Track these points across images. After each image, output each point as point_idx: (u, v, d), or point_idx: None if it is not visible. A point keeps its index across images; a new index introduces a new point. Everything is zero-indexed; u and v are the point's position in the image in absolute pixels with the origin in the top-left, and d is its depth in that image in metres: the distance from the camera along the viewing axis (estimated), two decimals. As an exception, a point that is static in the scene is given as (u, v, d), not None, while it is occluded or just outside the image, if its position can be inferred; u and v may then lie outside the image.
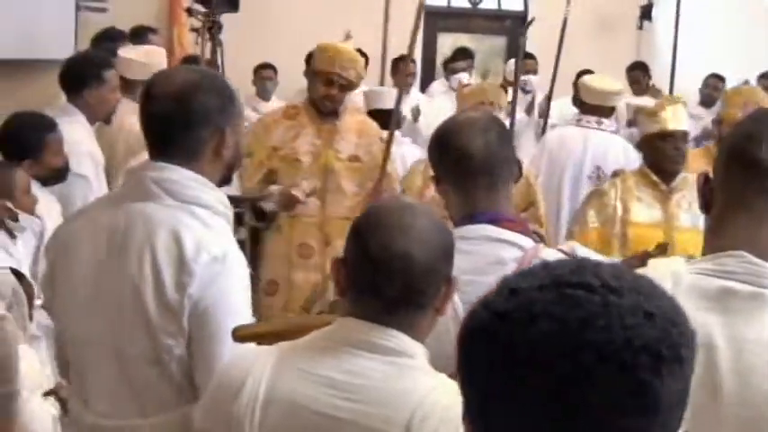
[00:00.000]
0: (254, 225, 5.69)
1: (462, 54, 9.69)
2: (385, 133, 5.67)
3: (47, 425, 3.27)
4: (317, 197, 5.55)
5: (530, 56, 9.72)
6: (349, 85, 5.61)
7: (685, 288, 2.01)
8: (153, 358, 2.60)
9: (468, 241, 2.70)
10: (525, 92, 9.15)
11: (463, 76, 9.02)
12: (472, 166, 2.83)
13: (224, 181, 2.81)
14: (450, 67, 9.46)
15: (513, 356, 1.13)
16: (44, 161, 4.81)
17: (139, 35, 7.92)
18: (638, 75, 9.84)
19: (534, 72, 9.38)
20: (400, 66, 9.00)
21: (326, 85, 5.52)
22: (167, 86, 2.67)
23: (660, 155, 4.79)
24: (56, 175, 4.90)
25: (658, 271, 1.98)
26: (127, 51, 6.49)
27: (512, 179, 2.93)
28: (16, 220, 4.18)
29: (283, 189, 5.51)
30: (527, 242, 2.79)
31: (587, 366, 1.09)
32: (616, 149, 6.39)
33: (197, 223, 2.62)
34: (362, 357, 2.08)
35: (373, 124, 5.91)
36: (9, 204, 4.12)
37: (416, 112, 8.51)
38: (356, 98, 7.17)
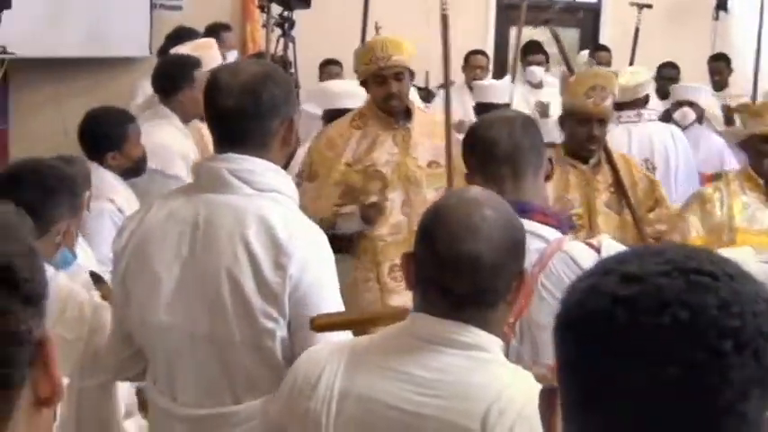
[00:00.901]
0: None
1: (537, 47, 9.61)
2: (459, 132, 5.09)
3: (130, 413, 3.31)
4: (401, 212, 4.83)
5: (603, 48, 9.64)
6: (403, 72, 4.89)
7: None
8: (254, 343, 2.63)
9: None
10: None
11: (538, 70, 8.90)
12: (496, 154, 2.87)
13: (284, 168, 2.84)
14: (527, 59, 9.37)
15: (637, 344, 1.10)
16: (127, 152, 4.93)
17: (214, 32, 7.97)
18: (722, 66, 9.64)
19: (608, 64, 9.27)
20: (471, 59, 8.98)
21: (381, 85, 4.88)
22: (235, 79, 2.69)
23: (764, 157, 4.45)
24: (134, 168, 5.01)
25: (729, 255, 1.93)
26: (178, 48, 6.61)
27: (541, 171, 2.93)
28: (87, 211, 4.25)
29: (362, 204, 4.79)
30: (552, 234, 2.78)
31: (725, 354, 1.07)
32: (661, 138, 6.28)
33: (281, 209, 2.66)
34: (439, 352, 2.07)
35: (438, 122, 5.18)
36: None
37: (544, 107, 8.28)
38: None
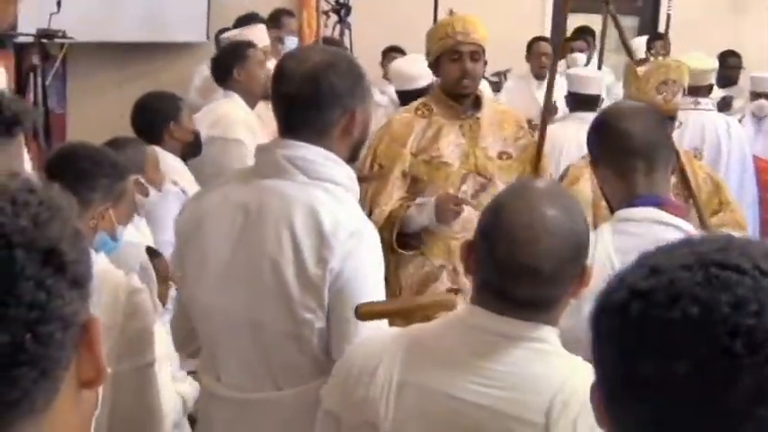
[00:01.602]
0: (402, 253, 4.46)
1: (581, 33, 9.50)
2: (529, 119, 4.97)
3: (173, 395, 3.33)
4: (474, 207, 4.33)
5: (660, 36, 9.53)
6: (480, 51, 4.57)
7: None
8: (293, 333, 2.64)
9: (632, 223, 2.88)
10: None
11: (580, 57, 8.79)
12: (631, 147, 2.92)
13: (351, 159, 2.83)
14: (568, 46, 9.23)
15: (648, 338, 1.08)
16: (184, 124, 5.03)
17: (275, 19, 8.06)
18: None
19: (666, 54, 9.15)
20: (534, 47, 8.88)
21: (456, 62, 4.54)
22: (299, 66, 2.69)
23: None
24: (194, 144, 5.12)
25: None
26: (228, 33, 6.91)
27: (670, 166, 2.99)
28: (147, 195, 4.26)
29: (439, 195, 4.41)
30: (689, 227, 2.85)
31: (735, 353, 1.04)
32: (715, 128, 6.21)
33: (331, 199, 2.65)
34: (498, 345, 2.05)
35: (513, 111, 5.03)
36: (142, 179, 4.20)
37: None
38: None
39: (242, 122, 5.54)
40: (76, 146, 3.19)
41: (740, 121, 7.25)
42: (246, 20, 7.54)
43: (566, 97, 6.67)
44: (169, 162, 4.83)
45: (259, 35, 6.56)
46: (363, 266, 2.64)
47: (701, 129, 6.13)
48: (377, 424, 2.09)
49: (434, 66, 4.71)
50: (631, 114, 3.03)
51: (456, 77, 4.56)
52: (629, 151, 2.93)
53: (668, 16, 6.92)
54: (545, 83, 5.22)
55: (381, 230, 4.04)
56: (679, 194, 4.34)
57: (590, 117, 6.15)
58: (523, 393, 2.00)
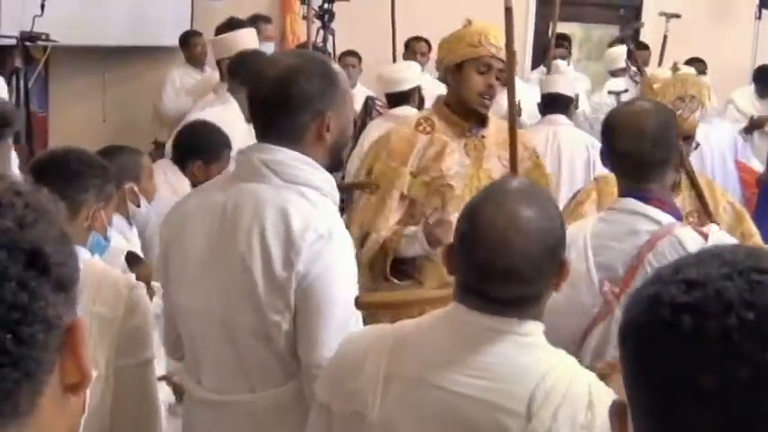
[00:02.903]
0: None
1: (560, 40, 9.55)
2: (533, 145, 4.57)
3: (165, 395, 3.35)
4: None
5: (643, 46, 9.58)
6: (501, 72, 4.16)
7: None
8: (262, 334, 2.66)
9: (612, 212, 3.06)
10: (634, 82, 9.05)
11: (562, 64, 8.85)
12: (619, 147, 3.05)
13: (333, 166, 2.85)
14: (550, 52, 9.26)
15: (706, 349, 1.08)
16: (211, 171, 4.76)
17: (253, 24, 8.05)
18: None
19: (646, 63, 9.23)
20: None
21: (485, 74, 4.15)
22: (271, 71, 2.72)
23: None
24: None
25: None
26: (219, 37, 6.87)
27: (667, 165, 3.05)
28: (138, 205, 4.26)
29: (424, 224, 4.02)
30: (666, 218, 2.95)
31: None
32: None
33: (305, 203, 2.66)
34: (483, 337, 2.10)
35: (521, 132, 4.41)
36: (135, 188, 4.20)
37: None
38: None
39: (238, 137, 5.46)
40: (66, 149, 3.19)
41: None
42: (231, 25, 7.53)
43: (538, 104, 6.68)
44: (185, 186, 4.71)
45: (249, 39, 6.57)
46: (331, 269, 2.63)
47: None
48: (365, 413, 2.14)
49: (452, 73, 4.26)
50: (627, 115, 3.13)
51: (480, 91, 4.15)
52: (617, 150, 3.06)
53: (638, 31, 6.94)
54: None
55: (375, 259, 4.06)
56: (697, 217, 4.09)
57: (561, 119, 6.28)
58: (507, 384, 2.04)
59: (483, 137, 4.25)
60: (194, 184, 4.71)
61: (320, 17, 8.07)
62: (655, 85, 4.29)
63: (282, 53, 4.80)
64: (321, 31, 8.16)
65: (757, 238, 4.12)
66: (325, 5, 8.15)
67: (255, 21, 8.11)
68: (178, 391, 3.37)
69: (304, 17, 8.24)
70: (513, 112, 4.11)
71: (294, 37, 9.69)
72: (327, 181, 2.75)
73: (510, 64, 4.10)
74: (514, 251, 2.07)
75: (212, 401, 2.79)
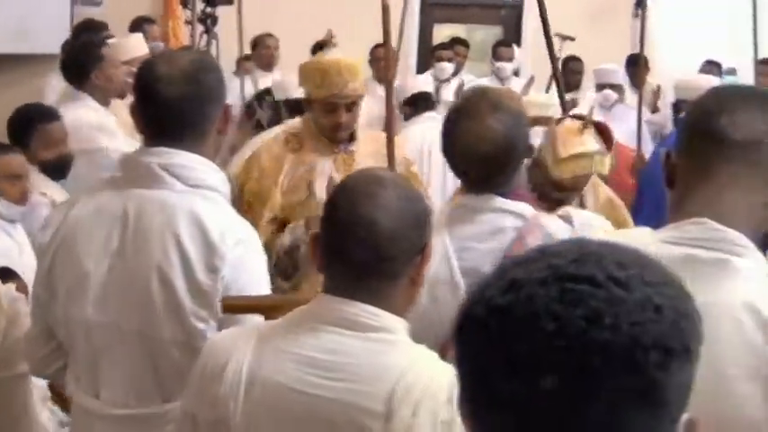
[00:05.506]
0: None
1: (455, 43, 9.62)
2: (407, 153, 4.70)
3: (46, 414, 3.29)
4: None
5: (506, 43, 9.77)
6: (356, 101, 4.32)
7: None
8: (184, 343, 2.61)
9: (472, 210, 2.86)
10: (499, 79, 9.21)
11: (448, 66, 8.85)
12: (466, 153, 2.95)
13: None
14: (436, 54, 9.05)
15: (511, 355, 1.07)
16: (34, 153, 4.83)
17: (137, 26, 8.01)
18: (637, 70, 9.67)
19: (509, 59, 9.40)
20: (375, 53, 8.62)
21: (330, 113, 4.29)
22: (175, 67, 2.66)
23: None
24: (59, 163, 4.95)
25: (627, 240, 1.98)
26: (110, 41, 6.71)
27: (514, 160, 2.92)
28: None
29: (307, 218, 4.17)
30: (528, 210, 2.85)
31: (593, 368, 1.04)
32: None
33: (212, 206, 2.65)
34: (342, 335, 2.08)
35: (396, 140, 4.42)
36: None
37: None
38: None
39: (94, 126, 5.41)
40: None
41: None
42: (89, 27, 7.48)
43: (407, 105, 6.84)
44: (33, 176, 4.70)
45: (138, 45, 6.49)
46: (254, 272, 2.66)
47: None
48: (227, 421, 2.09)
49: (307, 104, 4.44)
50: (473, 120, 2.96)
51: (329, 129, 4.32)
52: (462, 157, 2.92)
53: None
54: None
55: None
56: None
57: (434, 114, 6.44)
58: (367, 384, 2.03)
59: (352, 151, 4.38)
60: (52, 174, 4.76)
61: (203, 21, 8.04)
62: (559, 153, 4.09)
63: (172, 52, 4.65)
64: (205, 36, 8.11)
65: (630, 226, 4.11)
66: (208, 9, 8.10)
67: (139, 23, 8.10)
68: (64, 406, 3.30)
69: (187, 21, 8.20)
70: (391, 107, 4.22)
71: (177, 41, 9.61)
72: (223, 180, 2.73)
73: (387, 61, 4.32)
74: (377, 201, 2.10)
75: (115, 416, 2.71)
